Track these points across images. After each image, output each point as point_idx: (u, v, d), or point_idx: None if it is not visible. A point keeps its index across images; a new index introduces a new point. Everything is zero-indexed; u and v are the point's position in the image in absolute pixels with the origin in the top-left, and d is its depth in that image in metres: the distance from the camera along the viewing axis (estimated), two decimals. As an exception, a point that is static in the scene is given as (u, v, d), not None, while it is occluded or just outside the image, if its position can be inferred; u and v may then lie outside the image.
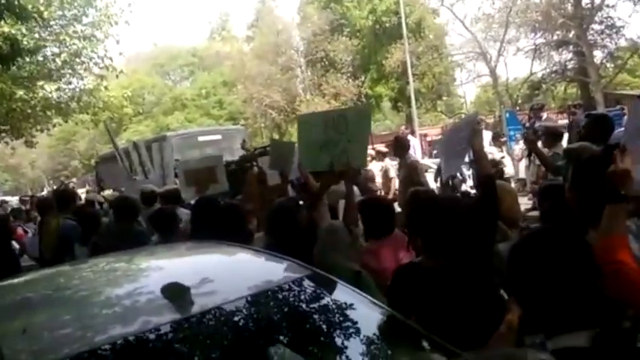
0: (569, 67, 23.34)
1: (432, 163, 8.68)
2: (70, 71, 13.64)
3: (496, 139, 11.70)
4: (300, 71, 31.13)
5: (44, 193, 16.59)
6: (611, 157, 1.71)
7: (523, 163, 9.96)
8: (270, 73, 28.72)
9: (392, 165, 7.63)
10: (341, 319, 1.93)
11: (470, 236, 2.14)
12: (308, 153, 3.81)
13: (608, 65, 23.41)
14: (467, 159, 3.00)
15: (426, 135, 24.32)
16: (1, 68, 10.15)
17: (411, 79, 23.36)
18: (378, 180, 7.46)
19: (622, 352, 1.43)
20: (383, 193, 6.56)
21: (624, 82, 28.70)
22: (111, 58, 13.65)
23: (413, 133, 18.53)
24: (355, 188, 3.36)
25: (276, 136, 26.82)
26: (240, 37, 37.91)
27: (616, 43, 22.13)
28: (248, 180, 4.81)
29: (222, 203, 4.64)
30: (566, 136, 7.52)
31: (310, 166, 3.98)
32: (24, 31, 9.85)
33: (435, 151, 17.03)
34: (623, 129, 3.18)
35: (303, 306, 2.02)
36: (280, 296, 1.98)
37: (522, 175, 10.27)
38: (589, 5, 21.23)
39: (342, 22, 29.38)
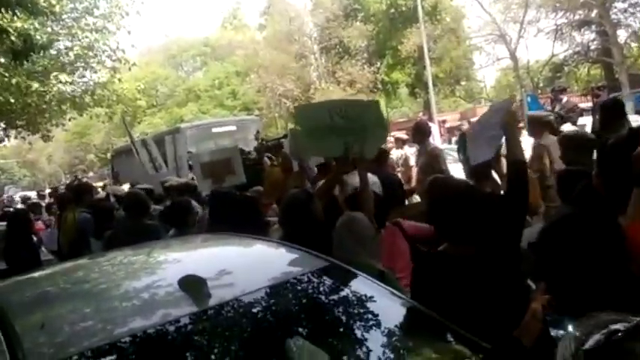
0: (592, 47, 22.81)
1: (450, 150, 8.44)
2: (83, 64, 13.80)
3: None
4: (314, 59, 30.93)
5: (60, 187, 16.93)
6: (636, 141, 1.68)
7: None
8: (283, 62, 28.57)
9: (412, 153, 7.38)
10: (361, 310, 1.91)
11: (502, 223, 2.12)
12: (314, 139, 3.56)
13: (632, 45, 22.84)
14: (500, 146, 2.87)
15: (444, 121, 23.72)
16: (15, 63, 10.24)
17: (428, 63, 22.55)
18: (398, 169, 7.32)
19: None
20: (403, 182, 6.35)
21: (650, 62, 28.05)
22: (123, 50, 13.81)
23: (431, 119, 18.27)
24: (375, 177, 3.26)
25: (291, 126, 26.77)
26: (252, 25, 37.90)
27: (641, 22, 21.60)
28: (268, 175, 4.79)
29: (238, 194, 4.66)
30: (589, 119, 7.33)
31: (322, 153, 3.88)
32: (36, 25, 9.89)
33: (454, 138, 16.74)
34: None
35: (322, 297, 2.01)
36: (299, 287, 1.97)
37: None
38: (612, -18, 20.68)
39: (356, 7, 29.06)
